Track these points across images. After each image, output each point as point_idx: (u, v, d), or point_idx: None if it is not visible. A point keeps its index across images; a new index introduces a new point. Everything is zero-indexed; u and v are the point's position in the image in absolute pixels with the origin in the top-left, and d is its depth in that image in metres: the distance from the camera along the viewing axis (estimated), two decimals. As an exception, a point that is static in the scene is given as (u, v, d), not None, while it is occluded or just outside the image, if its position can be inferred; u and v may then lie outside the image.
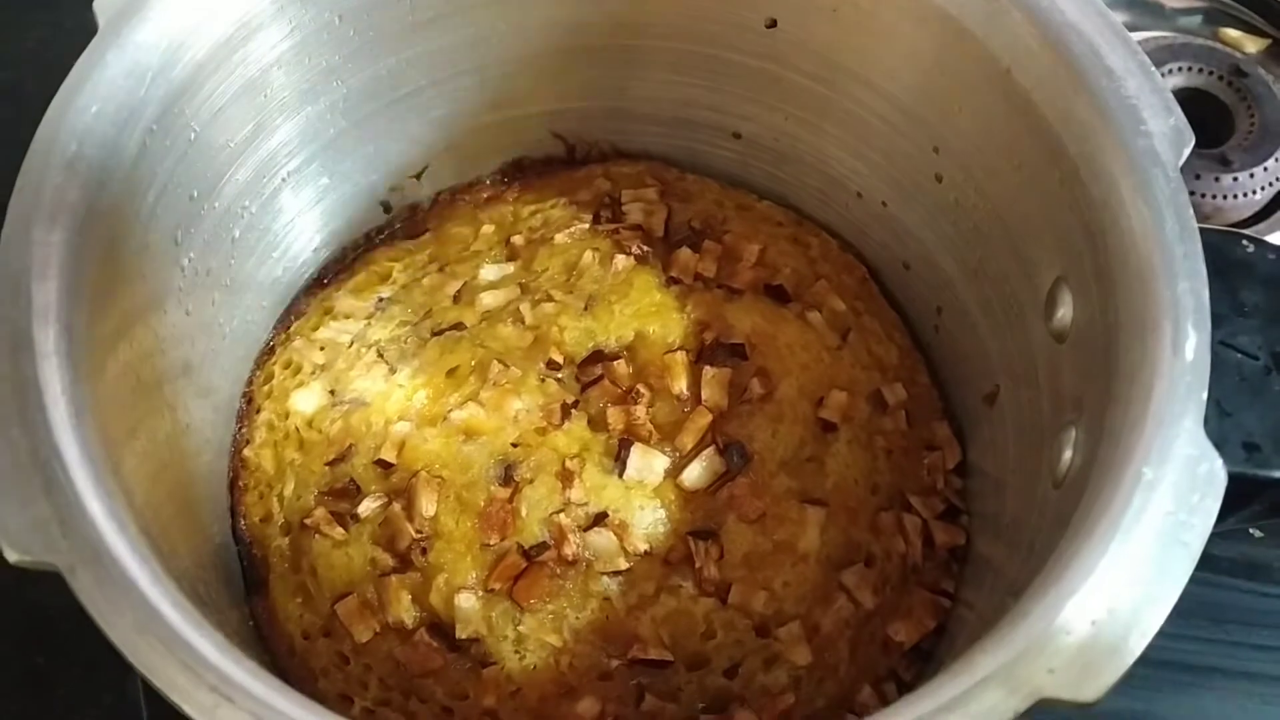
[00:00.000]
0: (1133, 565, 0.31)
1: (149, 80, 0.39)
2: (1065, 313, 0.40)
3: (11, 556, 0.30)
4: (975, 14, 0.42)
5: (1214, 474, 0.32)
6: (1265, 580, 0.60)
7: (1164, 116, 0.38)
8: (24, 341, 0.33)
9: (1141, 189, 0.37)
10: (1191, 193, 0.66)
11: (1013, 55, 0.41)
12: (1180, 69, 0.71)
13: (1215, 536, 0.61)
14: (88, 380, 0.35)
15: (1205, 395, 0.33)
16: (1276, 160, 0.68)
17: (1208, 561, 0.61)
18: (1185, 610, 0.61)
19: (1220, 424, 0.35)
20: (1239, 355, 0.37)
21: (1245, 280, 0.38)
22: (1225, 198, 0.67)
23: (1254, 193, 0.67)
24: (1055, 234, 0.41)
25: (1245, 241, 0.39)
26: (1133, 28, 0.76)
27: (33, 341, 0.33)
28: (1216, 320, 0.37)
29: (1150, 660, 0.59)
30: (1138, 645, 0.30)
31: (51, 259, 0.35)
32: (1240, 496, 0.37)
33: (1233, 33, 0.77)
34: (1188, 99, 0.71)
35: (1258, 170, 0.67)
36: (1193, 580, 0.61)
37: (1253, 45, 0.77)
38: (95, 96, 0.38)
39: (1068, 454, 0.38)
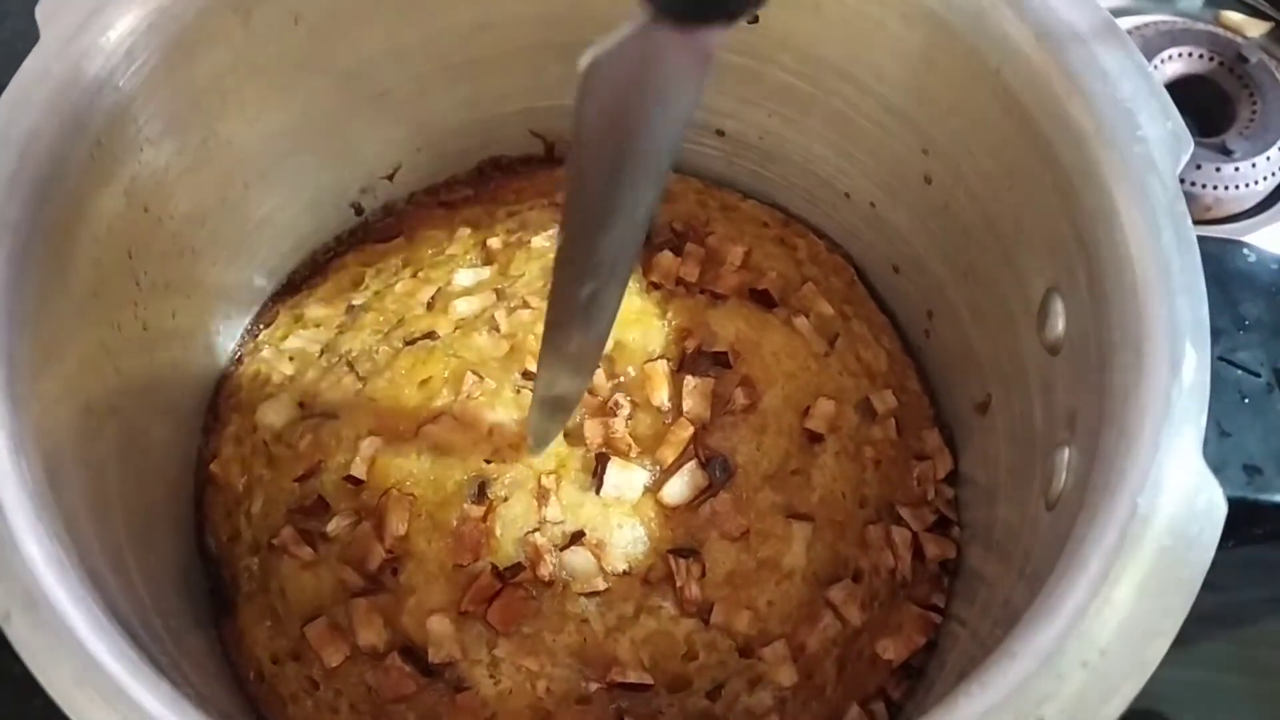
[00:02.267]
0: (1126, 604, 0.30)
1: (95, 90, 0.37)
2: (1059, 324, 0.39)
3: (-57, 606, 0.29)
4: (964, 10, 0.40)
5: (1213, 505, 0.31)
6: (1272, 583, 0.59)
7: (1161, 121, 0.36)
8: (-41, 371, 0.32)
9: (1136, 198, 0.35)
10: (1192, 184, 0.65)
11: (1002, 54, 0.39)
12: (1180, 55, 0.69)
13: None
14: (30, 408, 0.33)
15: (1204, 419, 0.32)
16: (1279, 149, 0.66)
17: (1214, 563, 0.60)
18: (1191, 612, 0.60)
19: (1220, 445, 0.34)
20: (1240, 372, 0.35)
21: (1247, 292, 0.36)
22: (1226, 188, 0.65)
23: (1256, 183, 0.65)
24: (1047, 242, 0.39)
25: (1247, 250, 0.37)
26: (1132, 12, 0.74)
27: (-32, 375, 0.32)
28: (1216, 334, 0.36)
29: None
30: (1132, 689, 0.29)
31: (-9, 280, 0.33)
32: (1241, 521, 0.35)
33: (1235, 16, 0.75)
34: (1188, 86, 0.69)
35: (1259, 159, 0.65)
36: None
37: (1255, 29, 0.75)
38: (38, 109, 0.36)
39: (1061, 475, 0.36)
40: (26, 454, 0.32)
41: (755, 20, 0.46)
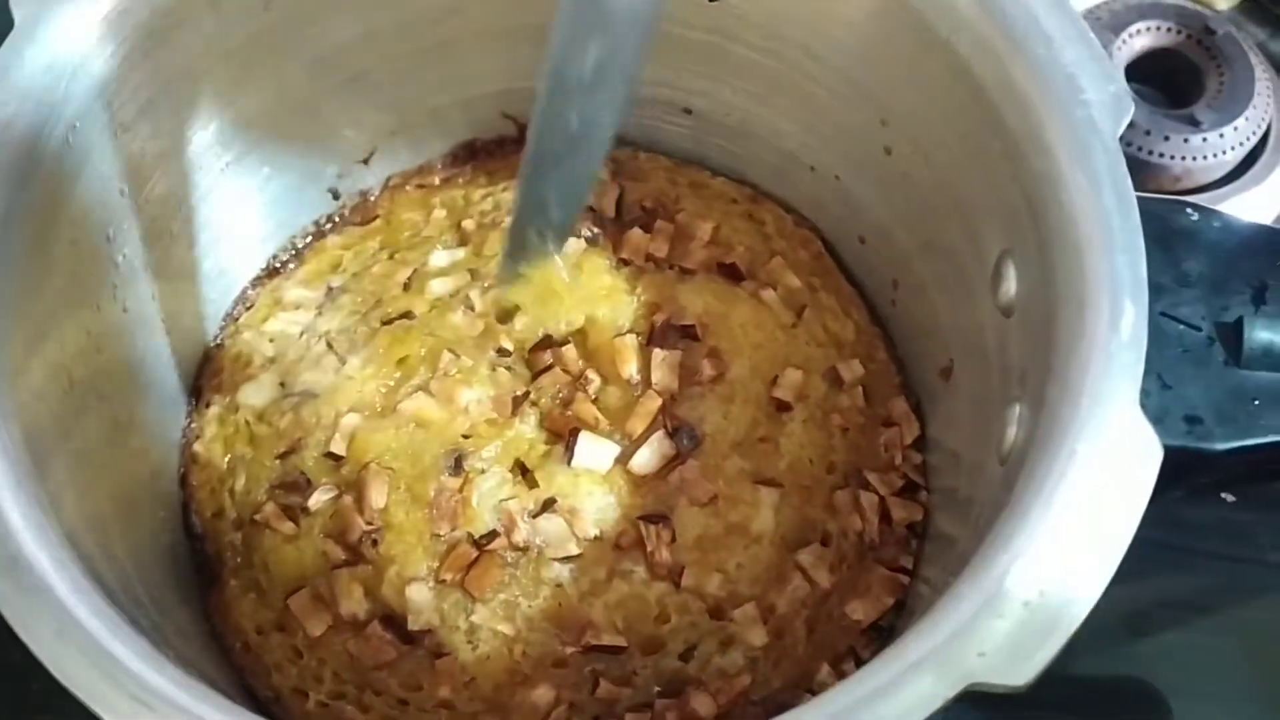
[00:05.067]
0: (1065, 545, 0.31)
1: (69, 75, 0.38)
2: (1010, 286, 0.40)
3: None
4: (919, -13, 0.41)
5: (1149, 450, 0.32)
6: (1239, 544, 0.60)
7: (1103, 85, 0.37)
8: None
9: (1080, 160, 0.36)
10: (1161, 155, 0.66)
11: (951, 24, 0.40)
12: (1149, 29, 0.70)
13: (1190, 502, 0.61)
14: (11, 385, 0.35)
15: (1141, 370, 0.33)
16: (1246, 119, 0.67)
17: (1182, 526, 0.61)
18: (1160, 576, 0.61)
19: (1161, 397, 0.35)
20: (1181, 326, 0.36)
21: (1189, 249, 0.37)
22: (1195, 159, 0.66)
23: (1224, 153, 0.66)
24: (1000, 207, 0.40)
25: (1190, 210, 0.38)
26: (1107, -17, 0.75)
27: (-53, 349, 0.33)
28: (1159, 291, 0.37)
29: (1123, 626, 0.59)
30: (1069, 626, 0.30)
31: (-32, 262, 0.35)
32: (1183, 469, 0.36)
33: (1203, -13, 0.76)
34: (1157, 59, 0.70)
35: (1227, 130, 0.66)
36: (1167, 547, 0.61)
37: (1224, 2, 0.76)
38: (12, 95, 0.37)
39: (1012, 430, 0.37)
40: (8, 427, 0.33)
41: (716, -1, 0.47)
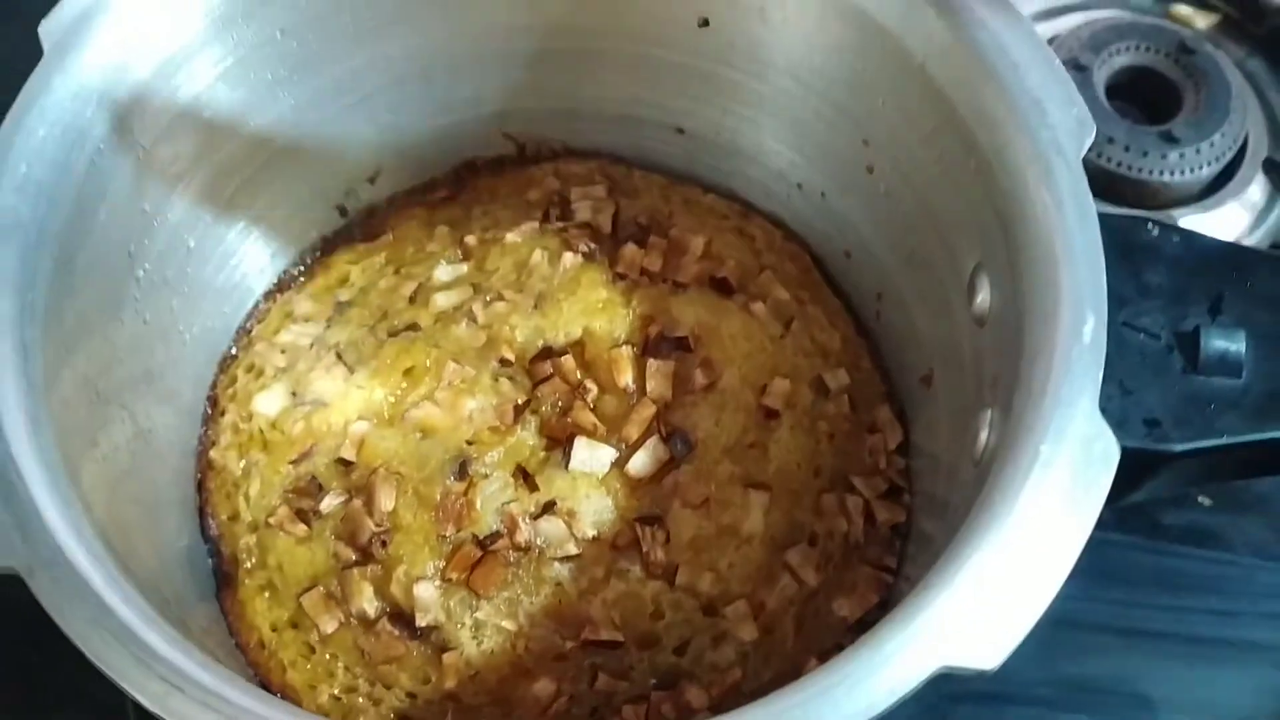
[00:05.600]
0: (1029, 537, 0.33)
1: (95, 101, 0.41)
2: (984, 298, 0.42)
3: (-26, 563, 0.32)
4: (892, 12, 0.43)
5: (1108, 451, 0.34)
6: (1214, 547, 0.62)
7: (1067, 108, 0.39)
8: (-22, 359, 0.35)
9: (1045, 179, 0.39)
10: (1140, 169, 0.68)
11: (927, 51, 0.43)
12: (1128, 48, 0.73)
13: (1166, 506, 0.63)
14: (44, 393, 0.37)
15: (1101, 376, 0.35)
16: (1222, 135, 0.69)
17: (1159, 530, 0.63)
18: (1138, 578, 0.63)
19: (1123, 402, 0.37)
20: (1142, 335, 0.39)
21: (1149, 263, 0.40)
22: (1172, 174, 0.69)
23: (1200, 168, 0.69)
24: (973, 222, 0.43)
25: (1150, 225, 0.40)
26: (1085, 6, 0.78)
27: (-13, 359, 0.35)
28: (1121, 301, 0.39)
29: (1104, 627, 0.61)
30: (1033, 613, 0.32)
31: (5, 277, 0.37)
32: (1144, 470, 0.38)
33: (1183, 9, 0.79)
34: (1136, 77, 0.72)
35: (1204, 145, 0.69)
36: (1145, 550, 0.63)
37: (1203, 21, 0.79)
38: (42, 120, 0.39)
39: (984, 434, 0.40)
40: (42, 433, 0.36)
41: (706, 24, 0.50)
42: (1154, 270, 0.39)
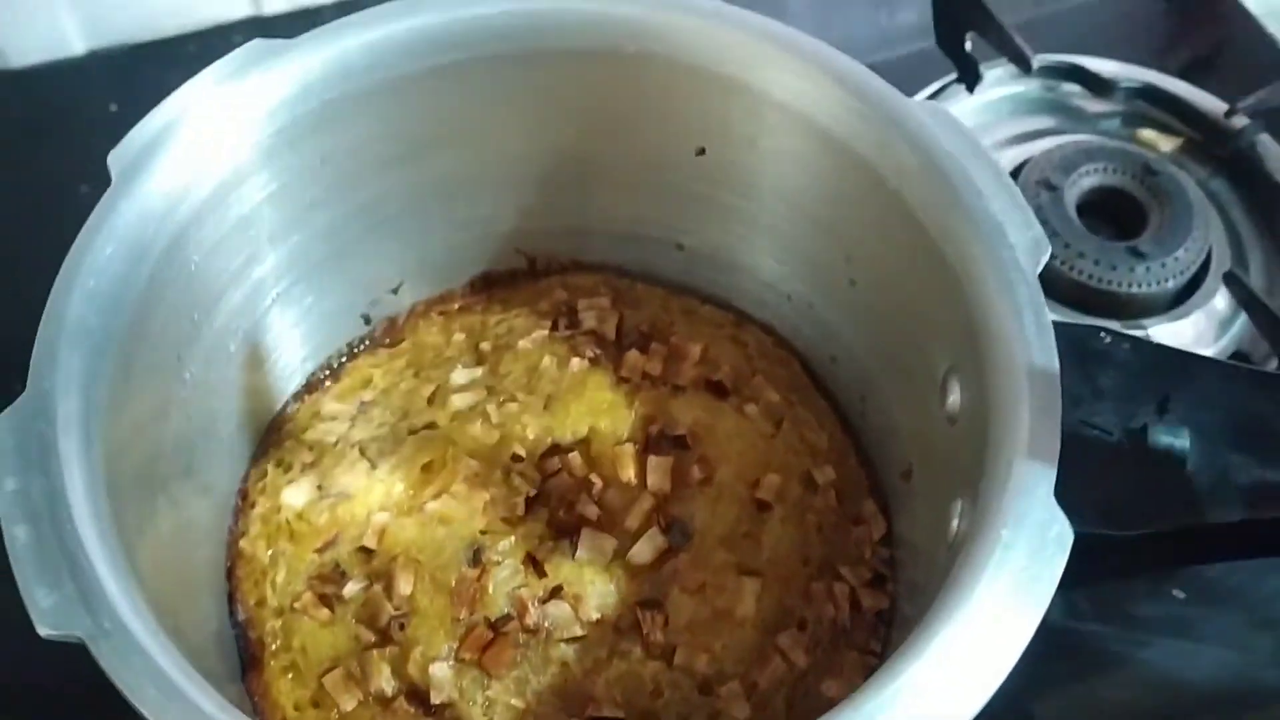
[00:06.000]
0: (991, 612, 0.37)
1: (156, 222, 0.45)
2: (955, 399, 0.47)
3: (43, 630, 0.36)
4: (869, 143, 0.49)
5: (1063, 534, 0.38)
6: (1189, 638, 0.65)
7: (1025, 230, 0.44)
8: (51, 450, 0.39)
9: (1006, 292, 0.43)
10: (1110, 282, 0.73)
11: (900, 178, 0.47)
12: (1097, 169, 0.78)
13: (1142, 599, 0.67)
14: (103, 482, 0.41)
15: (1056, 468, 0.39)
16: (1186, 250, 0.74)
17: (1135, 622, 0.67)
18: (1114, 669, 0.66)
19: (1079, 492, 0.40)
20: (1096, 432, 0.43)
21: (1102, 367, 0.44)
22: (1140, 286, 0.73)
23: (1166, 281, 0.74)
24: (945, 331, 0.47)
25: (1103, 334, 0.45)
26: (1058, 131, 0.84)
27: (59, 451, 0.39)
28: (1077, 401, 0.43)
29: (1083, 713, 0.64)
30: (995, 679, 0.36)
31: (73, 378, 0.41)
32: (1100, 554, 0.42)
33: (1148, 133, 0.85)
34: (1105, 196, 0.78)
35: (1168, 260, 0.74)
36: (1121, 641, 0.66)
37: (1167, 144, 0.84)
38: (110, 238, 0.44)
39: (955, 522, 0.44)
40: (102, 519, 0.40)
41: (703, 152, 0.55)
42: (1106, 374, 0.44)
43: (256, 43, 0.49)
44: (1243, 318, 0.75)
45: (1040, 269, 0.44)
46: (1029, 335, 0.42)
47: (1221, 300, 0.75)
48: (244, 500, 0.56)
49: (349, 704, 0.50)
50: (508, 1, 0.52)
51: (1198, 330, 0.75)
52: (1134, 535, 0.41)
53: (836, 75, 0.49)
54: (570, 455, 0.54)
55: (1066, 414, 0.41)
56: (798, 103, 0.50)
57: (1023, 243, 0.44)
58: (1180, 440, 0.42)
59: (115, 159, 0.46)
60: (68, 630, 0.36)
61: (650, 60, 0.52)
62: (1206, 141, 0.83)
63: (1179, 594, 0.65)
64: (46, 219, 0.44)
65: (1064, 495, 0.39)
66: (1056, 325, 0.43)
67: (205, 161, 0.47)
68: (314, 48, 0.49)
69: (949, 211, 0.46)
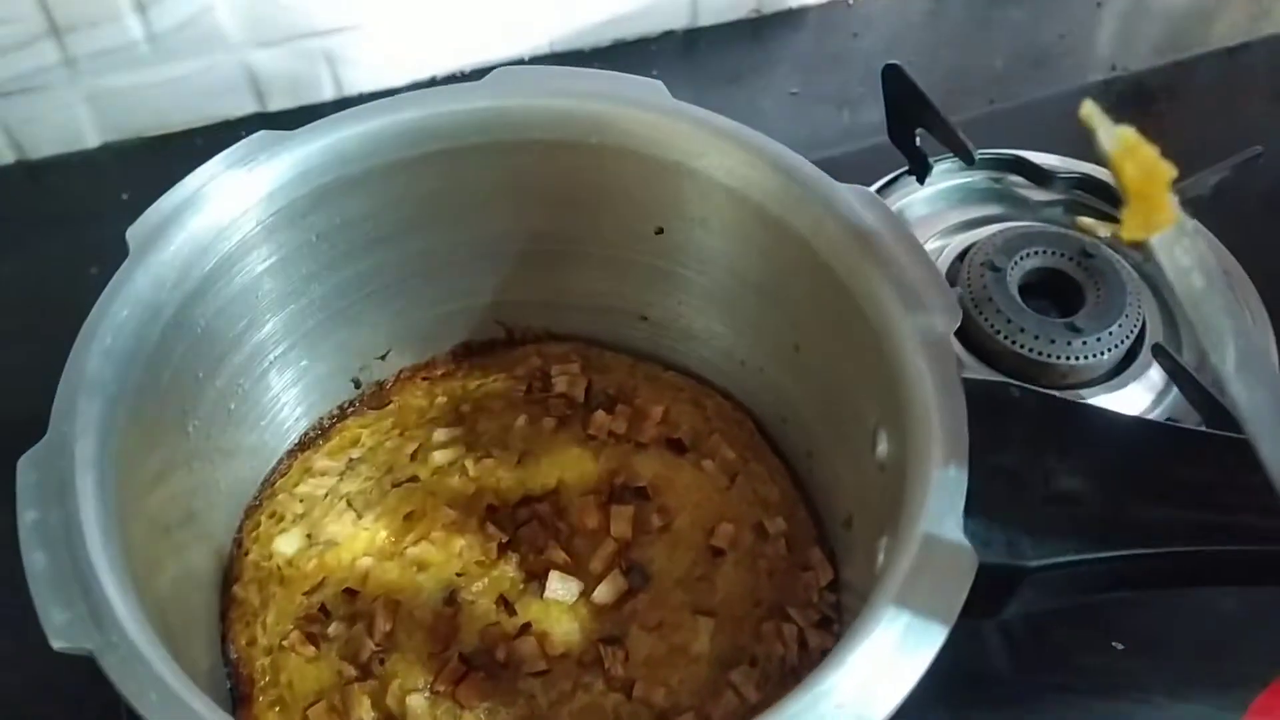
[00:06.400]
0: (901, 630, 0.41)
1: (168, 288, 0.51)
2: (883, 448, 0.51)
3: (56, 644, 0.40)
4: (803, 221, 0.54)
5: (969, 560, 0.43)
6: (1130, 688, 0.69)
7: (939, 298, 0.50)
8: (69, 487, 0.44)
9: (921, 352, 0.48)
10: (1050, 355, 0.78)
11: (831, 253, 0.53)
12: (1037, 252, 0.84)
13: (1084, 650, 0.71)
14: (117, 520, 0.46)
15: (963, 503, 0.44)
16: (1120, 326, 0.80)
17: (1078, 672, 0.71)
18: (1058, 718, 0.71)
19: (989, 528, 0.45)
20: (1004, 474, 0.48)
21: (1012, 417, 0.49)
22: (1078, 359, 0.79)
23: (1103, 354, 0.79)
24: (872, 388, 0.52)
25: (1014, 389, 0.50)
26: (1003, 218, 0.90)
27: (75, 487, 0.44)
28: (990, 447, 0.48)
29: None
30: (904, 689, 0.40)
31: (90, 424, 0.46)
32: (1009, 584, 0.47)
33: (1087, 220, 0.90)
34: (1045, 276, 0.84)
35: (1104, 335, 0.79)
36: (1065, 689, 0.70)
37: (1105, 230, 0.89)
38: (126, 302, 0.49)
39: (880, 556, 0.48)
40: (113, 549, 0.44)
41: (661, 231, 0.61)
42: (1015, 423, 0.49)
43: (262, 134, 0.55)
44: (1175, 389, 0.80)
45: (952, 331, 0.49)
46: (940, 390, 0.47)
47: (1155, 373, 0.81)
48: (239, 548, 0.61)
49: (331, 736, 0.54)
50: (486, 99, 0.58)
51: (1134, 400, 0.80)
52: (1037, 567, 0.46)
53: (773, 161, 0.55)
54: (540, 505, 0.59)
55: (978, 457, 0.46)
56: (741, 186, 0.56)
57: (936, 307, 0.49)
58: (1079, 480, 0.48)
59: (134, 233, 0.51)
60: (79, 644, 0.40)
61: (612, 150, 0.58)
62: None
63: (1119, 645, 0.69)
64: (60, 296, 0.49)
65: (974, 529, 0.44)
66: (973, 380, 0.49)
67: (213, 236, 0.53)
68: (312, 138, 0.55)
69: (871, 279, 0.51)
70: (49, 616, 0.41)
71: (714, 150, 0.56)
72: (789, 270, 0.56)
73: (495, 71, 0.58)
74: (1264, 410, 0.37)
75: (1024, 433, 0.49)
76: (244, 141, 0.54)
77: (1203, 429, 0.69)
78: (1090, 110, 0.38)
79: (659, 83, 0.57)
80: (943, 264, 0.86)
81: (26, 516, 0.43)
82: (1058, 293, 0.84)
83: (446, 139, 0.58)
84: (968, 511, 0.45)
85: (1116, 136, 0.38)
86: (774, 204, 0.55)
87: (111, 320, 0.49)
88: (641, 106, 0.57)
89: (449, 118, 0.57)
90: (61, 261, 0.49)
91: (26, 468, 0.44)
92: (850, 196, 0.53)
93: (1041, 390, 0.51)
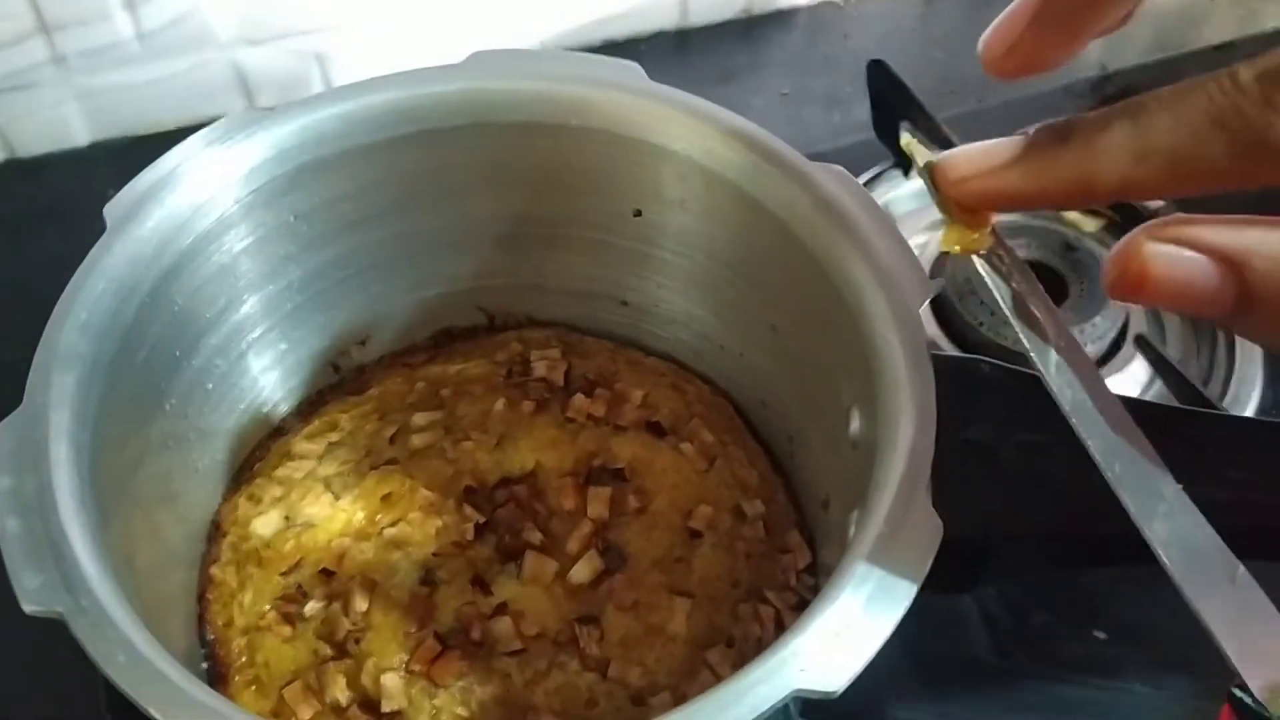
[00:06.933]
0: (867, 595, 0.41)
1: (144, 265, 0.51)
2: (856, 426, 0.52)
3: (27, 608, 0.40)
4: (780, 202, 0.54)
5: (935, 530, 0.43)
6: (1110, 676, 0.69)
7: (910, 272, 0.50)
8: (43, 454, 0.44)
9: (893, 329, 0.49)
10: (1033, 347, 0.78)
11: (805, 230, 0.53)
12: (1023, 245, 0.85)
13: (1066, 640, 0.71)
14: (90, 486, 0.46)
15: (929, 474, 0.44)
16: (1103, 318, 0.81)
17: (1061, 661, 0.71)
18: (1041, 705, 0.71)
19: (959, 500, 0.45)
20: (976, 448, 0.48)
21: (983, 392, 0.49)
22: (1061, 351, 0.79)
23: (1085, 346, 0.80)
24: (848, 367, 0.52)
25: (985, 365, 0.50)
26: (990, 214, 0.90)
27: (49, 454, 0.44)
28: (961, 422, 0.49)
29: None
30: (870, 650, 0.40)
31: (65, 395, 0.46)
32: (977, 556, 0.47)
33: (1073, 214, 0.91)
34: (1031, 269, 0.84)
35: (1087, 326, 0.80)
36: (1047, 679, 0.70)
37: (1091, 224, 0.91)
38: (102, 277, 0.49)
39: (851, 529, 0.48)
40: (88, 516, 0.44)
41: (639, 214, 0.61)
42: (986, 398, 0.49)
43: (241, 111, 0.55)
44: (1160, 381, 0.81)
45: (924, 306, 0.49)
46: (911, 365, 0.47)
47: (1140, 366, 0.81)
48: (216, 530, 0.61)
49: (306, 713, 0.54)
50: (464, 81, 0.58)
51: (1118, 391, 0.80)
52: (1006, 539, 0.46)
53: (749, 142, 0.55)
54: (518, 487, 0.59)
55: (949, 431, 0.46)
56: (718, 166, 0.56)
57: (907, 283, 0.50)
58: (1048, 455, 0.48)
59: (111, 209, 0.52)
60: (49, 607, 0.41)
61: (591, 132, 0.58)
62: (1125, 222, 0.90)
63: (1101, 634, 0.70)
64: (49, 294, 0.49)
65: (943, 502, 0.44)
66: (944, 356, 0.49)
67: (190, 213, 0.53)
68: (291, 117, 0.56)
69: (845, 257, 0.51)
70: (20, 581, 0.41)
71: (691, 131, 0.56)
72: (765, 250, 0.56)
73: (474, 54, 0.58)
74: (1086, 407, 0.40)
75: (994, 407, 0.49)
76: (223, 120, 0.55)
77: (1170, 404, 0.70)
78: (909, 140, 0.43)
79: (636, 65, 0.58)
80: (927, 259, 0.87)
81: (1, 483, 0.43)
82: (1043, 285, 0.84)
83: (424, 120, 0.58)
84: (937, 484, 0.45)
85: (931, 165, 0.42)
86: (750, 184, 0.55)
87: (88, 295, 0.49)
88: (620, 89, 0.57)
89: (427, 99, 0.58)
90: (51, 258, 0.49)
91: (2, 436, 0.45)
92: (824, 175, 0.53)
93: (1011, 366, 0.51)
